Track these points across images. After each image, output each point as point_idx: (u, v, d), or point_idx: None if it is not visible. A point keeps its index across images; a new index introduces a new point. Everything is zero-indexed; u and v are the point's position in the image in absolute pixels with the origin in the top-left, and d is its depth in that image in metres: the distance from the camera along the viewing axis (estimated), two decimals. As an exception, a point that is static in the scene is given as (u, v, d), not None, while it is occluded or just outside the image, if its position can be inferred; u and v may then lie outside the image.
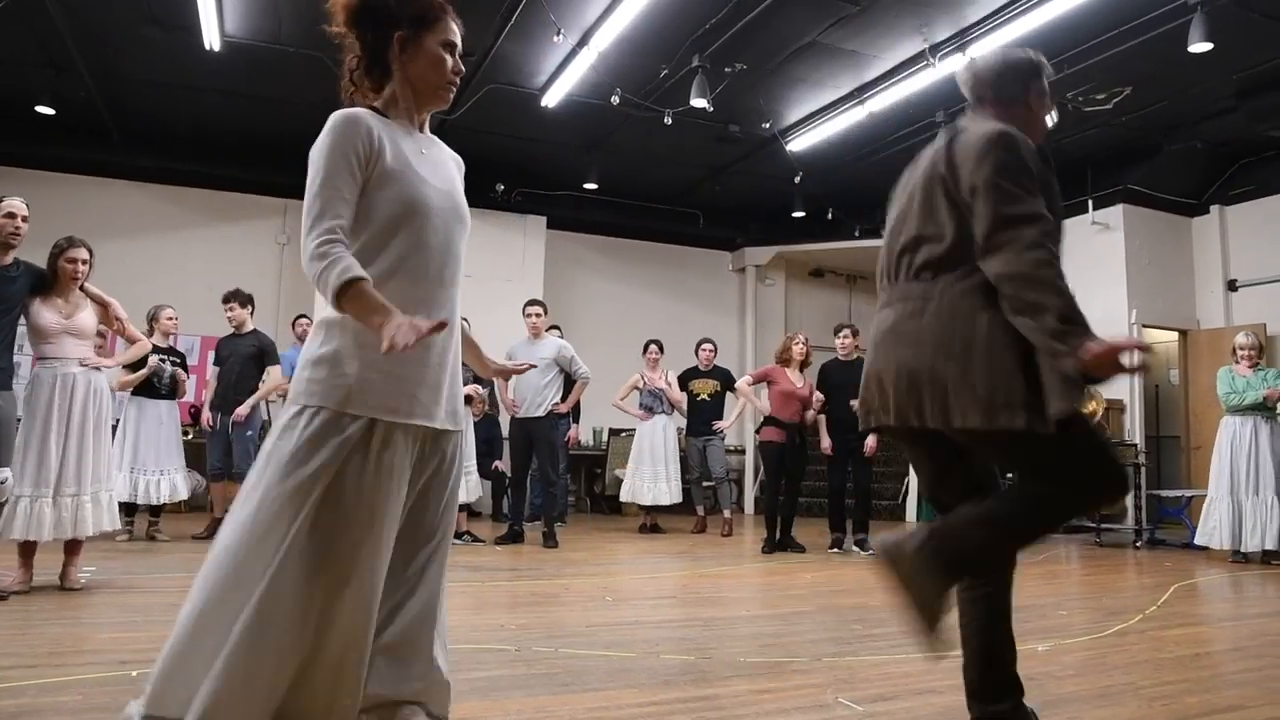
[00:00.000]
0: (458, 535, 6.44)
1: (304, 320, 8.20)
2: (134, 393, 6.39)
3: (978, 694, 2.21)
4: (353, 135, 1.82)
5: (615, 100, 7.92)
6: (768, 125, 8.80)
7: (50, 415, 4.22)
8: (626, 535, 8.24)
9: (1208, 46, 6.34)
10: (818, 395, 7.09)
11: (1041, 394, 1.91)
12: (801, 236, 11.89)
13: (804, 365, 7.32)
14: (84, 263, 4.39)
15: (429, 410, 1.91)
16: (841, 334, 7.25)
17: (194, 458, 6.90)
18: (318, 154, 1.82)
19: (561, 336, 8.17)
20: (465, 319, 2.23)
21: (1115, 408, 9.31)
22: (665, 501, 8.42)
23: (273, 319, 9.29)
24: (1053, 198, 2.08)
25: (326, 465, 1.77)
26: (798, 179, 9.77)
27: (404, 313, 1.69)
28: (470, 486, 6.95)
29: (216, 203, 10.09)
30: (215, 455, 6.88)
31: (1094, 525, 8.50)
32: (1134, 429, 9.36)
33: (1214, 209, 10.30)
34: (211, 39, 7.07)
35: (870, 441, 6.86)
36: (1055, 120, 2.61)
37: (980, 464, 2.25)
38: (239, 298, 6.98)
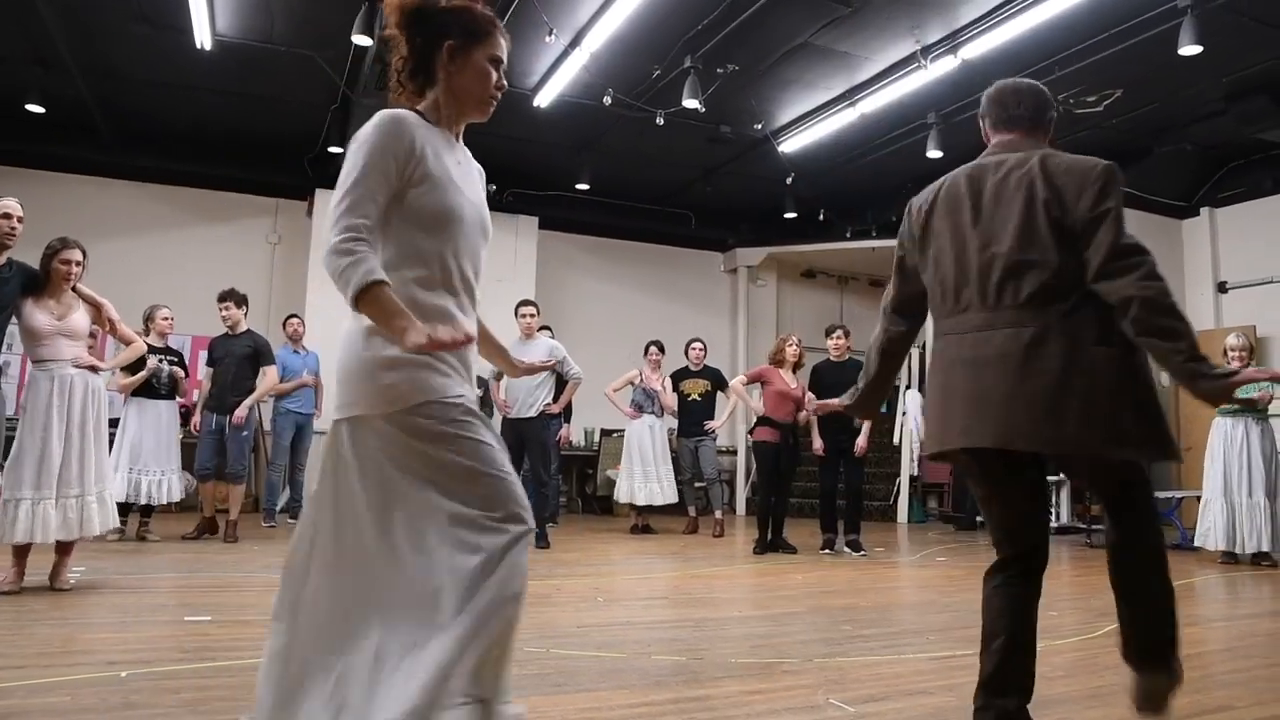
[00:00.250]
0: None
1: (295, 320, 8.11)
2: (134, 393, 6.34)
3: (993, 688, 2.27)
4: (397, 137, 1.81)
5: (607, 101, 7.92)
6: (759, 126, 8.81)
7: (50, 417, 4.20)
8: (618, 536, 8.24)
9: (1198, 49, 6.37)
10: (810, 396, 7.07)
11: (1163, 423, 2.14)
12: (793, 237, 11.92)
13: (797, 366, 7.30)
14: (78, 264, 4.37)
15: None
16: (834, 335, 7.23)
17: (185, 458, 6.86)
18: (358, 149, 1.81)
19: (553, 337, 8.16)
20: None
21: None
22: (659, 501, 8.39)
23: (264, 318, 9.24)
24: None
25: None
26: (789, 180, 9.80)
27: (427, 320, 1.70)
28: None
29: (208, 202, 10.05)
30: (205, 455, 6.79)
31: (1084, 526, 8.52)
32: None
33: (1204, 211, 10.36)
34: (203, 38, 7.05)
35: (861, 441, 6.88)
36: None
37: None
38: (234, 297, 6.88)
